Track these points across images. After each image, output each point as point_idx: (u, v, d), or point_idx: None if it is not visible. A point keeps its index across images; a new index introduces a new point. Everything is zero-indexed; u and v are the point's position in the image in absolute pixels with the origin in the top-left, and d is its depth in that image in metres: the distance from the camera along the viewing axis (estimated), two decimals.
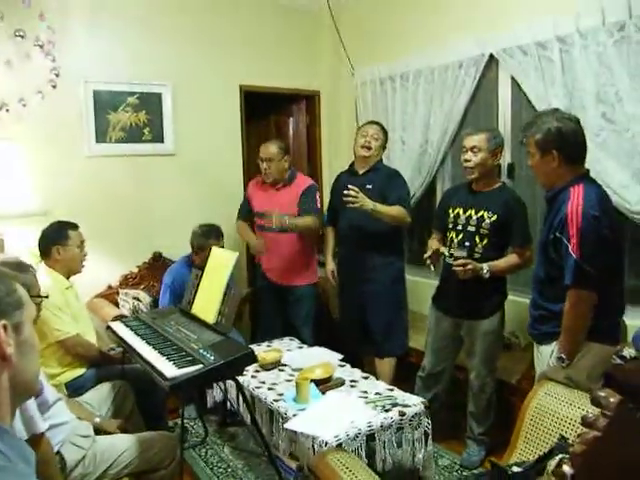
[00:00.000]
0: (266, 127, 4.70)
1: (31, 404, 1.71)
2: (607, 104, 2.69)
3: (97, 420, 2.19)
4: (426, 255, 2.63)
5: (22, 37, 2.88)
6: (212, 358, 2.05)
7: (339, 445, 2.08)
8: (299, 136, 4.55)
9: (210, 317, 2.38)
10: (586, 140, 2.09)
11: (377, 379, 2.88)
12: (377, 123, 3.21)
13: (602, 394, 1.31)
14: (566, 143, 2.00)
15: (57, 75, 3.06)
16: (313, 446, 2.12)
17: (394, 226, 3.09)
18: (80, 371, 2.53)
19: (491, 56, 3.19)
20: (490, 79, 3.33)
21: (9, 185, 2.89)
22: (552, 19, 2.82)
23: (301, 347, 3.13)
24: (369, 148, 3.09)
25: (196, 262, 3.12)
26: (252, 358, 2.12)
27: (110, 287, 3.54)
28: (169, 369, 1.99)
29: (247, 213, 3.57)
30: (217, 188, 3.92)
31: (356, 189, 2.82)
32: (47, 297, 2.01)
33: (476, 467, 2.69)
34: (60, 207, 3.18)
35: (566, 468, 1.24)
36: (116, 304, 3.40)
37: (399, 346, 3.21)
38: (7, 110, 3.00)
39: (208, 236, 3.13)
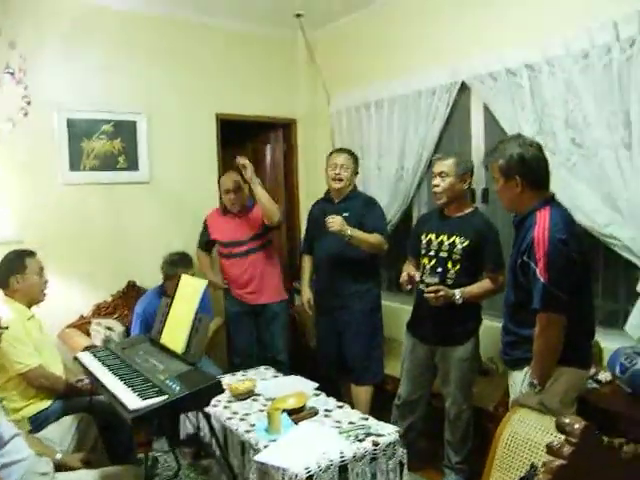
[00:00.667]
0: (243, 154, 4.69)
1: None
2: (576, 129, 2.74)
3: (58, 456, 2.11)
4: (401, 280, 2.62)
5: None
6: (178, 389, 1.99)
7: (310, 477, 2.03)
8: (276, 163, 4.57)
9: (179, 347, 2.32)
10: (548, 165, 2.11)
11: (353, 407, 2.85)
12: (345, 151, 3.20)
13: (567, 420, 1.29)
14: (528, 169, 2.02)
15: (28, 103, 3.06)
16: (283, 479, 2.06)
17: (371, 253, 3.08)
18: (45, 404, 2.45)
19: (463, 83, 3.24)
20: (463, 105, 3.38)
21: None
22: (521, 47, 2.89)
23: (276, 376, 3.07)
24: (340, 180, 3.11)
25: (168, 291, 3.09)
26: (219, 388, 2.06)
27: (82, 317, 3.47)
28: (133, 400, 1.93)
29: (205, 244, 3.66)
30: (193, 216, 3.87)
31: (335, 216, 2.87)
32: (7, 328, 1.95)
33: None
34: (34, 234, 3.17)
35: None
36: (88, 334, 3.33)
37: (375, 374, 3.17)
38: None
39: (176, 264, 3.16)
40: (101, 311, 3.52)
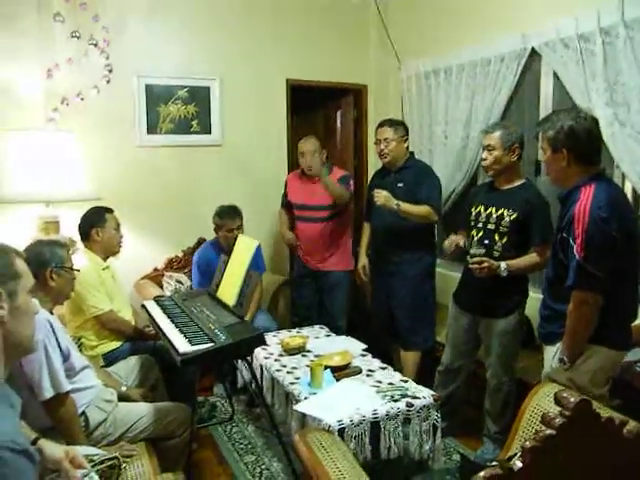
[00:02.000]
0: (313, 121, 4.81)
1: (58, 367, 1.93)
2: None
3: (123, 389, 2.40)
4: (444, 244, 2.72)
5: (78, 37, 3.15)
6: (223, 338, 2.19)
7: (342, 429, 2.17)
8: (346, 130, 4.62)
9: (230, 300, 2.52)
10: (601, 140, 2.04)
11: (402, 371, 2.95)
12: (385, 123, 3.19)
13: (564, 394, 1.31)
14: (577, 143, 1.96)
15: (110, 71, 3.33)
16: (319, 428, 2.21)
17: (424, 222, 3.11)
18: (116, 344, 2.75)
19: (533, 50, 3.11)
20: (533, 74, 3.24)
21: (66, 172, 3.16)
22: (596, 10, 2.72)
23: (329, 335, 3.22)
24: (385, 155, 3.14)
25: (220, 241, 3.40)
26: (261, 341, 2.24)
27: (156, 269, 3.78)
28: (183, 345, 2.15)
29: (286, 203, 3.80)
30: (262, 178, 4.07)
31: (380, 191, 2.94)
32: (78, 271, 2.21)
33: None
34: (112, 193, 3.44)
35: (517, 462, 1.26)
36: (161, 286, 3.64)
37: (423, 340, 3.23)
38: (67, 104, 3.29)
39: (222, 216, 3.38)
40: (173, 265, 3.82)
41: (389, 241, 3.20)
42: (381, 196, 2.91)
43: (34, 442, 1.45)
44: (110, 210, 2.84)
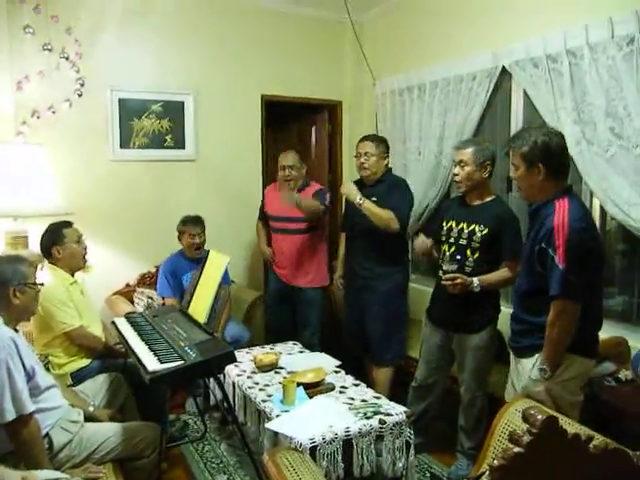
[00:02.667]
0: (288, 135, 4.82)
1: (22, 387, 1.87)
2: (616, 118, 2.65)
3: (90, 409, 2.34)
4: (415, 243, 2.79)
5: (50, 50, 3.12)
6: (194, 355, 2.15)
7: (314, 447, 2.14)
8: (321, 145, 4.64)
9: (201, 317, 2.49)
10: (569, 156, 2.09)
11: (375, 387, 2.94)
12: (369, 138, 3.22)
13: (532, 411, 1.32)
14: (552, 157, 2.01)
15: (82, 85, 3.30)
16: (290, 447, 2.18)
17: (398, 236, 3.12)
18: (85, 362, 2.68)
19: (504, 69, 3.18)
20: (504, 92, 3.32)
21: (36, 186, 3.10)
22: (563, 32, 2.80)
23: (302, 352, 3.20)
24: (365, 168, 3.16)
25: (184, 248, 3.52)
26: (231, 358, 2.20)
27: (128, 285, 3.72)
28: (152, 363, 2.11)
29: (263, 216, 3.82)
30: (236, 193, 4.06)
31: (348, 182, 3.11)
32: (42, 285, 2.16)
33: None
34: (84, 207, 3.41)
35: None
36: (132, 301, 3.58)
37: (395, 356, 3.22)
38: (38, 117, 3.25)
39: (184, 222, 3.49)
40: (145, 280, 3.76)
41: (363, 254, 3.20)
42: (346, 187, 3.02)
43: None
44: (69, 224, 2.77)
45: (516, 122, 3.26)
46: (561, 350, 2.01)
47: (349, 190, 3.03)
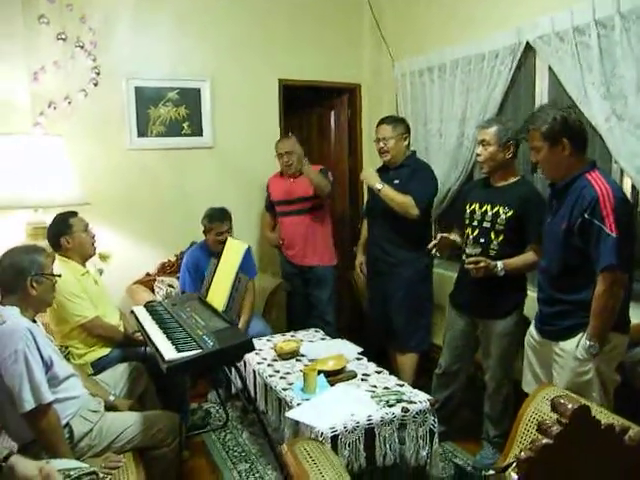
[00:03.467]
0: (307, 120, 4.75)
1: (40, 377, 1.86)
2: None
3: (111, 398, 2.34)
4: (430, 245, 2.64)
5: (64, 40, 3.10)
6: (211, 344, 2.12)
7: (335, 437, 2.10)
8: (341, 129, 4.56)
9: (220, 305, 2.46)
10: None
11: (399, 374, 2.88)
12: (385, 120, 3.15)
13: (562, 400, 1.25)
14: (574, 131, 1.97)
15: (98, 74, 3.27)
16: (310, 436, 2.15)
17: (422, 221, 3.06)
18: (105, 351, 2.68)
19: (527, 44, 3.05)
20: (528, 69, 3.18)
21: (54, 177, 3.10)
22: (591, 2, 2.66)
23: (324, 339, 3.16)
24: (385, 152, 3.10)
25: (209, 243, 3.37)
26: (250, 347, 2.17)
27: (148, 274, 3.72)
28: (169, 351, 2.09)
29: (270, 206, 3.84)
30: (254, 180, 4.01)
31: (367, 168, 3.13)
32: (59, 276, 2.15)
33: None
34: (102, 197, 3.41)
35: (512, 474, 1.19)
36: (153, 290, 3.58)
37: (420, 343, 3.17)
38: (54, 108, 3.24)
39: (211, 219, 3.34)
40: (166, 269, 3.75)
41: (386, 239, 3.15)
42: (366, 172, 3.02)
43: (6, 458, 1.39)
44: (74, 213, 2.76)
45: (541, 100, 3.12)
46: (610, 323, 1.94)
47: (369, 176, 3.02)
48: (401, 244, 3.12)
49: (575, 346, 2.01)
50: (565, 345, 2.06)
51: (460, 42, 3.46)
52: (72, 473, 1.51)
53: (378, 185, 2.95)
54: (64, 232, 2.67)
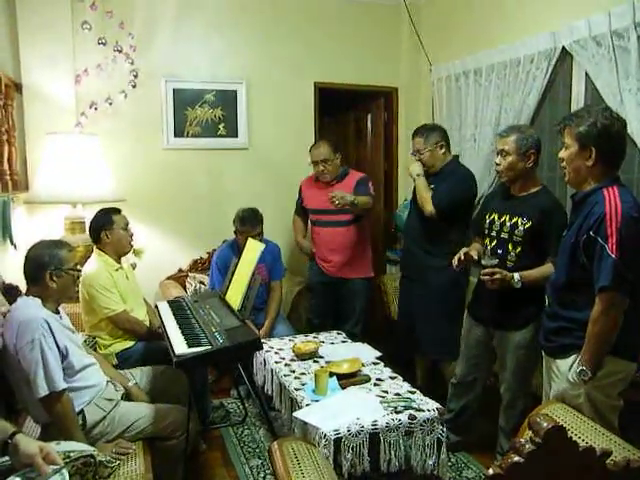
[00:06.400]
0: (344, 123, 4.76)
1: (54, 365, 1.97)
2: None
3: (130, 383, 2.42)
4: (455, 261, 2.53)
5: (104, 44, 3.26)
6: (221, 341, 2.18)
7: (338, 439, 2.12)
8: (377, 133, 4.55)
9: (236, 303, 2.52)
10: (626, 147, 1.91)
11: (423, 381, 2.84)
12: (418, 132, 3.08)
13: (538, 418, 1.22)
14: (607, 143, 1.85)
15: (136, 76, 3.42)
16: (315, 437, 2.17)
17: (454, 228, 3.00)
18: (129, 343, 2.79)
19: (564, 50, 2.96)
20: (564, 74, 3.09)
21: (93, 174, 3.27)
22: (630, 4, 2.55)
23: (345, 341, 3.16)
24: (424, 163, 3.05)
25: (240, 243, 3.32)
26: (257, 346, 2.22)
27: (181, 270, 3.85)
28: (180, 346, 2.16)
29: (301, 210, 3.74)
30: (288, 182, 4.05)
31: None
32: (79, 270, 2.26)
33: None
34: (139, 195, 3.56)
35: None
36: (184, 286, 3.70)
37: (446, 352, 3.06)
38: (95, 108, 3.41)
39: (243, 222, 3.33)
40: (197, 266, 3.87)
41: (417, 245, 3.12)
42: (412, 164, 3.08)
43: (11, 436, 1.48)
44: (117, 211, 2.87)
45: (577, 106, 3.01)
46: (605, 349, 1.85)
47: (414, 165, 3.05)
48: (428, 251, 3.07)
49: (568, 368, 1.95)
50: (560, 365, 2.00)
51: (496, 47, 3.40)
52: (72, 455, 1.59)
53: (416, 174, 3.01)
54: (105, 226, 2.78)
